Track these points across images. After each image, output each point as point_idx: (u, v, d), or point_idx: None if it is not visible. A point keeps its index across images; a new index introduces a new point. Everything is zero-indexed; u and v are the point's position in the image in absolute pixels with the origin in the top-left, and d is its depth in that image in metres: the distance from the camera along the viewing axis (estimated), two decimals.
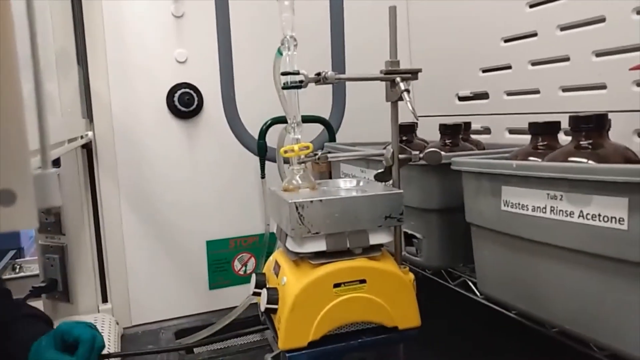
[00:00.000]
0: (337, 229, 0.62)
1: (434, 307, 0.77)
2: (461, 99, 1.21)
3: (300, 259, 0.64)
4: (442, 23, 1.25)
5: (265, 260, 1.17)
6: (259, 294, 0.68)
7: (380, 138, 1.04)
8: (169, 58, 1.19)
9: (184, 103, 1.18)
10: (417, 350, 0.70)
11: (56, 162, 1.08)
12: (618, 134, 0.70)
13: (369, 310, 0.62)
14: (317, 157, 0.72)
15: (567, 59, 0.89)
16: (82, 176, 1.13)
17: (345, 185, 0.74)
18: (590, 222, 0.52)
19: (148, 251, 1.21)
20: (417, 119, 0.66)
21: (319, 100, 1.16)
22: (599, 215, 0.51)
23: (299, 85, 0.67)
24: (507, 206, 0.64)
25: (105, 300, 1.18)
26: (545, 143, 0.69)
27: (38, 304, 1.13)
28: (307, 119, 0.82)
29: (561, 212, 0.55)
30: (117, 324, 1.14)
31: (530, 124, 0.71)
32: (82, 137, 1.02)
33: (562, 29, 0.90)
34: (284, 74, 0.69)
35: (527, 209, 0.60)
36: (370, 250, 0.64)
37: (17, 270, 2.16)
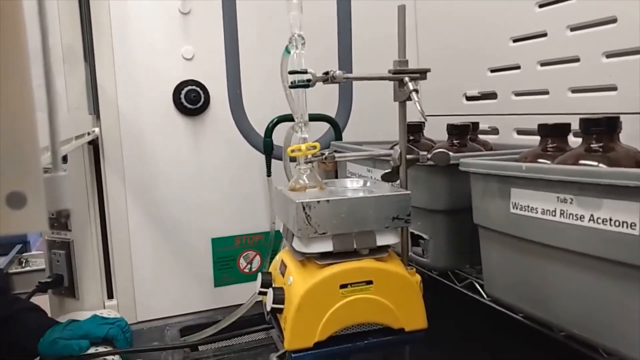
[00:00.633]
0: (344, 230, 0.61)
1: (440, 309, 0.77)
2: (469, 98, 1.20)
3: (306, 259, 0.64)
4: (450, 22, 1.24)
5: (271, 259, 1.18)
6: (265, 294, 0.68)
7: (387, 137, 1.04)
8: (176, 55, 1.19)
9: (191, 100, 1.18)
10: (423, 351, 0.70)
11: (63, 159, 1.08)
12: (628, 136, 0.69)
13: (376, 311, 0.61)
14: (324, 156, 0.71)
15: (577, 60, 0.88)
16: (89, 172, 1.14)
17: (352, 186, 0.73)
18: (600, 227, 0.51)
19: (154, 248, 1.21)
20: (426, 120, 0.66)
21: (325, 99, 1.16)
22: (610, 219, 0.50)
23: (307, 84, 0.67)
24: (516, 208, 0.63)
25: (110, 296, 1.18)
26: (554, 145, 0.68)
27: (44, 299, 1.14)
28: (313, 118, 0.82)
29: (571, 216, 0.55)
30: None
31: (539, 125, 0.71)
32: (88, 134, 1.03)
33: (572, 29, 0.89)
34: (291, 72, 0.69)
35: (537, 212, 0.60)
36: (377, 251, 0.64)
37: (24, 265, 2.17)
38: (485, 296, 0.76)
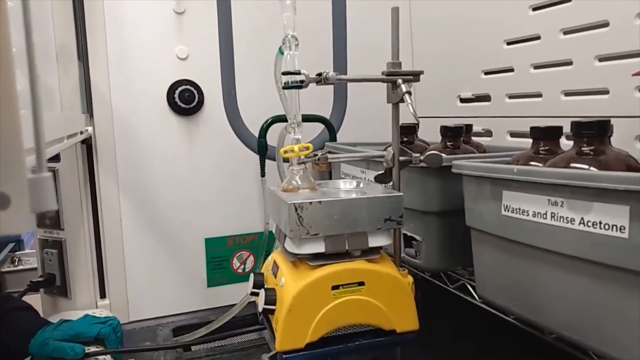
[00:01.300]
0: (336, 231, 0.62)
1: (432, 310, 0.77)
2: (463, 100, 1.20)
3: (298, 260, 0.64)
4: (445, 24, 1.24)
5: (264, 259, 1.18)
6: (257, 294, 0.68)
7: (381, 138, 1.04)
8: (170, 54, 1.18)
9: (185, 100, 1.18)
10: (414, 352, 0.70)
11: (55, 157, 1.07)
12: (620, 139, 0.70)
13: (367, 312, 0.61)
14: (317, 157, 0.71)
15: (569, 63, 0.89)
16: (82, 171, 1.13)
17: (345, 187, 0.73)
18: (590, 230, 0.52)
19: (147, 247, 1.21)
20: (418, 122, 0.66)
21: (320, 99, 1.16)
22: (600, 222, 0.51)
23: (300, 85, 0.67)
24: (508, 211, 0.63)
25: (103, 296, 1.18)
26: (546, 148, 0.69)
27: (36, 298, 1.13)
28: (307, 118, 0.82)
29: (562, 219, 0.55)
30: None
31: (531, 128, 0.71)
32: (81, 133, 1.02)
33: (565, 32, 0.89)
34: (284, 73, 0.69)
35: (528, 215, 0.60)
36: (369, 253, 0.64)
37: (16, 263, 2.16)
38: (477, 298, 0.76)
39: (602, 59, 0.83)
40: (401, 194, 0.64)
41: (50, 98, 0.78)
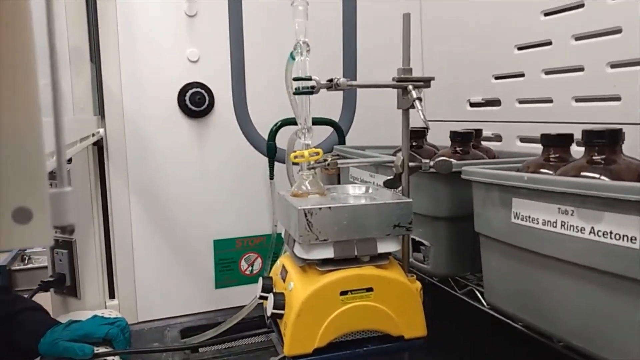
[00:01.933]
0: (346, 237, 0.62)
1: (440, 315, 0.77)
2: (472, 105, 1.20)
3: (307, 265, 0.64)
4: (455, 28, 1.24)
5: (272, 261, 1.18)
6: (265, 298, 0.68)
7: (390, 142, 1.04)
8: (181, 57, 1.19)
9: (195, 102, 1.18)
10: (421, 357, 0.70)
11: (67, 160, 1.08)
12: (631, 147, 0.69)
13: (375, 318, 0.62)
14: (327, 163, 0.72)
15: (581, 69, 0.88)
16: (93, 173, 1.14)
17: (354, 192, 0.73)
18: (601, 239, 0.52)
19: (156, 248, 1.22)
20: (429, 128, 0.66)
21: (329, 103, 1.16)
22: (611, 232, 0.50)
23: (311, 91, 0.67)
24: (518, 218, 0.63)
25: (112, 296, 1.19)
26: (557, 155, 0.68)
27: (46, 297, 1.15)
28: (317, 122, 0.82)
29: (572, 228, 0.55)
30: None
31: (542, 135, 0.71)
32: (93, 135, 1.03)
33: (577, 38, 0.89)
34: (296, 79, 0.69)
35: (538, 223, 0.60)
36: (378, 259, 0.64)
37: (26, 262, 2.18)
38: (485, 304, 0.76)
39: (614, 65, 0.83)
40: (411, 200, 0.65)
41: (64, 104, 0.78)
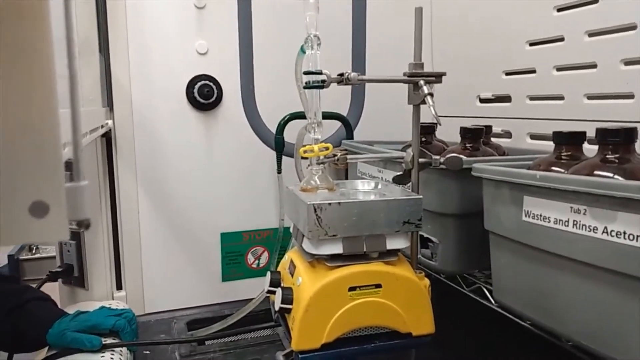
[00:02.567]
0: (355, 233, 0.62)
1: (447, 312, 0.77)
2: (483, 100, 1.19)
3: (316, 260, 0.64)
4: (466, 23, 1.23)
5: (279, 255, 1.18)
6: (273, 293, 0.68)
7: (399, 137, 1.03)
8: (190, 49, 1.18)
9: (204, 95, 1.18)
10: (428, 353, 0.70)
11: None
12: None
13: (384, 315, 0.61)
14: (336, 158, 0.71)
15: (594, 66, 0.87)
16: (101, 164, 1.14)
17: (364, 188, 0.73)
18: (614, 239, 0.51)
19: (163, 240, 1.22)
20: (440, 124, 0.66)
21: (337, 97, 1.16)
22: (624, 233, 0.50)
23: (321, 85, 0.67)
24: (529, 217, 0.63)
25: (119, 287, 1.19)
26: (569, 153, 0.68)
27: (53, 287, 1.15)
28: (325, 116, 0.82)
29: (584, 227, 0.55)
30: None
31: (554, 133, 0.70)
32: (102, 127, 1.03)
33: (590, 34, 0.88)
34: (306, 73, 0.69)
35: (549, 221, 0.59)
36: (387, 255, 0.64)
37: (34, 251, 2.19)
38: (493, 302, 0.76)
39: (627, 62, 0.82)
40: (421, 196, 0.64)
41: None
